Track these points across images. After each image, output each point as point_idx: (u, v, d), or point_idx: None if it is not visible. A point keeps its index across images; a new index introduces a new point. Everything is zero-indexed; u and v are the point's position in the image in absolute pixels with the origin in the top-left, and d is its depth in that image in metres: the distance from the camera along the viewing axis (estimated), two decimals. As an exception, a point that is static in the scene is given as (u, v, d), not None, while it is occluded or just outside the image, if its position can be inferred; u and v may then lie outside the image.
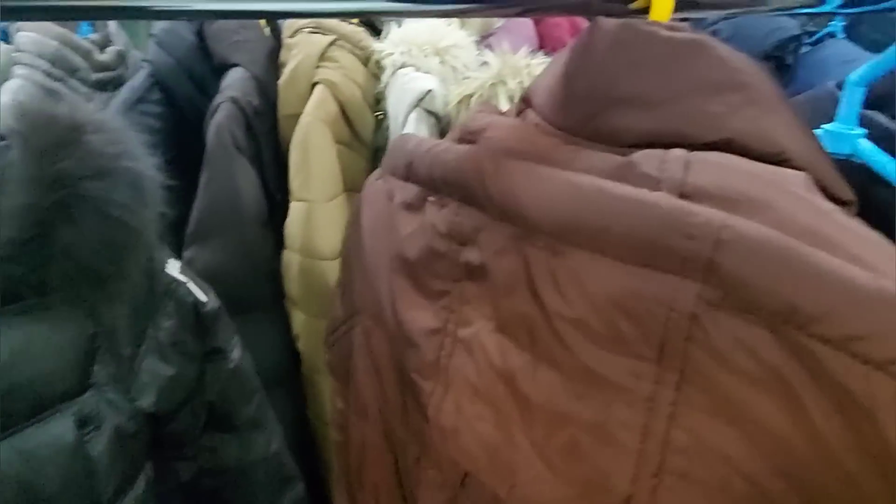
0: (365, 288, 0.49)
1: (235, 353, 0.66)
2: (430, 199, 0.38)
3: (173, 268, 0.60)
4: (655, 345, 0.26)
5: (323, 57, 0.86)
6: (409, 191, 0.40)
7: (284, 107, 0.87)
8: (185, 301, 0.60)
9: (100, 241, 0.48)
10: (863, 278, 0.22)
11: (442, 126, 0.85)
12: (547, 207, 0.30)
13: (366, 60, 0.91)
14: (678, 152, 0.29)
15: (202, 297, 0.62)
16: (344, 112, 0.87)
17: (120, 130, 0.50)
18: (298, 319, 0.83)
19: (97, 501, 0.51)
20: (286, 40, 0.91)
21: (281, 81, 0.87)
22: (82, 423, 0.50)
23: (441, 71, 0.85)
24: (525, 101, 0.40)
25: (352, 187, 0.86)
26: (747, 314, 0.24)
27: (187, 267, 0.62)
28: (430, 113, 0.83)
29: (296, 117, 0.85)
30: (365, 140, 0.93)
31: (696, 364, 0.25)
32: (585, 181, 0.29)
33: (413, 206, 0.39)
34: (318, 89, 0.84)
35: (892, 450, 0.22)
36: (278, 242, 0.84)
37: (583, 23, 0.92)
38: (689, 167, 0.28)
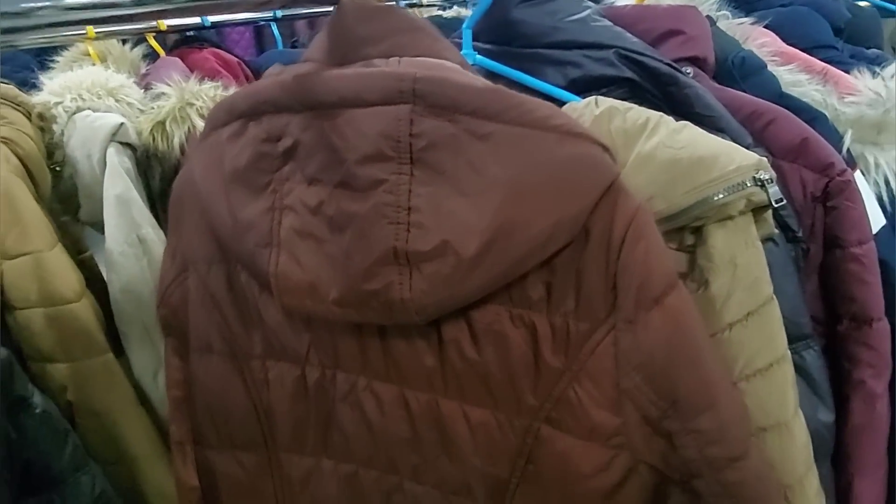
0: (197, 238, 0.61)
1: (37, 398, 0.65)
2: (251, 122, 0.54)
3: None
4: (401, 150, 0.48)
5: (-13, 115, 0.84)
6: (231, 127, 0.55)
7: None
8: None
9: None
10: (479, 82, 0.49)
11: (138, 156, 0.92)
12: (330, 89, 0.49)
13: (27, 115, 0.91)
14: (394, 58, 0.53)
15: None
16: (26, 167, 0.86)
17: None
18: (59, 373, 0.81)
19: None
20: (-78, 108, 0.84)
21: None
22: None
23: (118, 109, 0.93)
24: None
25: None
26: (438, 115, 0.47)
27: None
28: (126, 145, 0.90)
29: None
30: (44, 196, 0.92)
31: (422, 154, 0.48)
32: (350, 70, 0.50)
33: (237, 133, 0.54)
34: (-2, 147, 0.82)
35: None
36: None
37: (229, 58, 1.11)
38: (400, 62, 0.52)
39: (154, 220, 0.88)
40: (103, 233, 0.88)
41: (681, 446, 0.46)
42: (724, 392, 0.47)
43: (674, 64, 0.60)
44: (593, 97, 0.54)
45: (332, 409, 0.62)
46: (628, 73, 0.58)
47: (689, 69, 0.63)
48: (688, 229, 0.52)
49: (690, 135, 0.52)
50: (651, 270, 0.46)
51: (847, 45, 0.91)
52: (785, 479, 0.52)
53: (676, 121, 0.53)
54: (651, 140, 0.51)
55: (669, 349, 0.46)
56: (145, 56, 1.14)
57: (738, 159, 0.50)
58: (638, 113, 0.53)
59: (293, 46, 1.58)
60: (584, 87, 0.55)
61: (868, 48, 0.94)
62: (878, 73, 0.73)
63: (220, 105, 0.58)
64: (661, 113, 0.53)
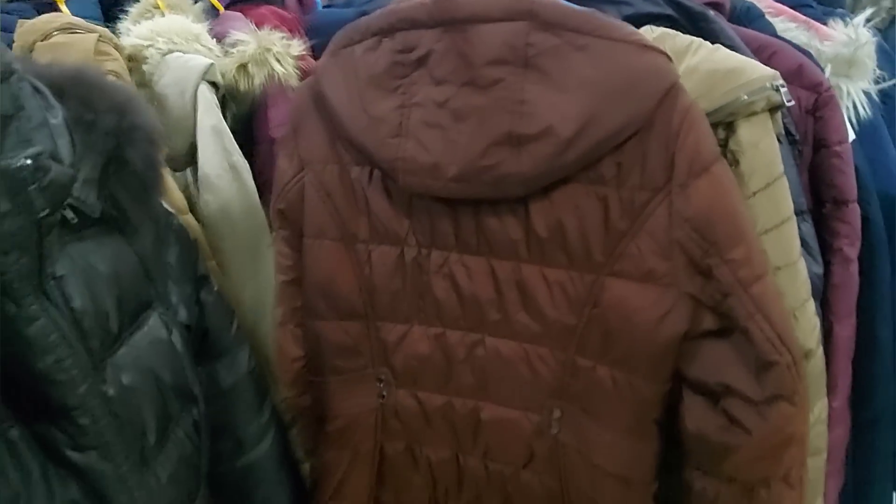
0: (315, 141, 0.75)
1: (212, 279, 0.76)
2: (385, 38, 0.68)
3: (165, 202, 0.70)
4: (518, 56, 0.64)
5: (96, 52, 0.95)
6: (365, 44, 0.70)
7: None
8: (179, 230, 0.70)
9: (148, 158, 0.59)
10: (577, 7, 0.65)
11: (221, 94, 1.05)
12: (463, 8, 0.64)
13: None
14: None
15: (185, 227, 0.72)
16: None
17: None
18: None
19: (190, 392, 0.62)
20: (37, 45, 0.95)
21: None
22: (166, 324, 0.61)
23: (202, 53, 1.05)
24: None
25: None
26: (547, 30, 0.63)
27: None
28: (212, 84, 1.03)
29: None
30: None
31: (533, 60, 0.63)
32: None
33: (372, 48, 0.69)
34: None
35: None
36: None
37: (285, 14, 1.23)
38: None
39: (239, 149, 1.01)
40: (178, 170, 1.00)
41: (719, 274, 0.63)
42: (750, 231, 0.64)
43: (703, 6, 0.78)
44: (649, 25, 0.71)
45: (426, 282, 0.76)
46: (669, 11, 0.75)
47: (712, 12, 0.80)
48: (721, 126, 0.69)
49: (724, 53, 0.69)
50: (701, 148, 0.63)
51: (819, 6, 1.11)
52: (792, 303, 0.70)
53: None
54: (695, 57, 0.68)
55: (714, 204, 0.63)
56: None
57: (759, 70, 0.68)
58: (683, 38, 0.70)
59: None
60: (634, 21, 0.71)
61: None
62: (849, 22, 0.93)
63: (352, 27, 0.72)
64: (700, 38, 0.70)
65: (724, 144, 0.69)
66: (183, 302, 0.66)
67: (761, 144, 0.68)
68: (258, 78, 1.03)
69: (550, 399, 0.75)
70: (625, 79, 0.62)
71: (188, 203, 0.93)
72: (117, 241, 0.57)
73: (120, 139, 0.56)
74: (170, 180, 0.93)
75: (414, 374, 0.82)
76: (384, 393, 0.84)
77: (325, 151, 0.78)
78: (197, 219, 0.93)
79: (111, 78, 0.68)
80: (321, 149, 0.78)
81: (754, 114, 0.67)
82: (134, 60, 1.03)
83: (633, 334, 0.68)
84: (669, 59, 0.63)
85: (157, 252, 0.64)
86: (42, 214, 0.48)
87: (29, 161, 0.47)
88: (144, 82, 1.03)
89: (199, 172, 0.98)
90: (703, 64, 0.67)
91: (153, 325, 0.59)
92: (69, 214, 0.50)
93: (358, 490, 0.86)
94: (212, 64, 1.01)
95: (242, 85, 1.04)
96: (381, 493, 0.86)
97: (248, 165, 0.99)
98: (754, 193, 0.68)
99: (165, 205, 0.69)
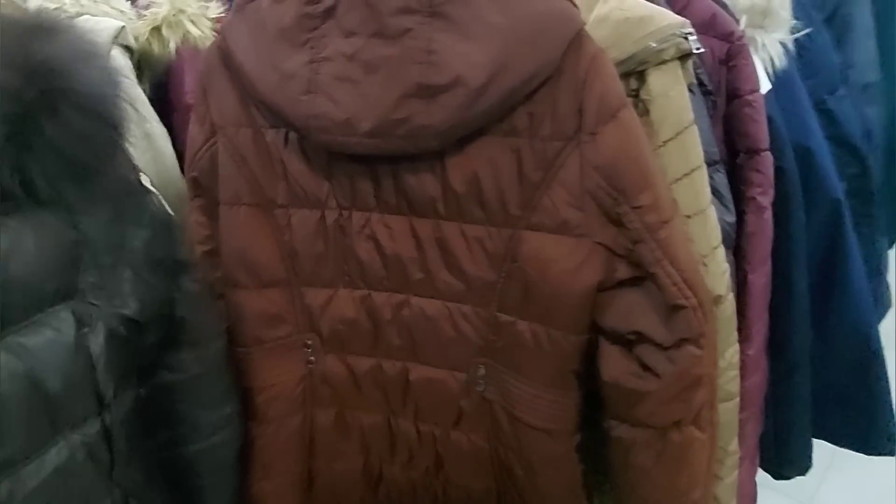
0: (226, 104, 0.73)
1: (194, 267, 0.69)
2: None
3: (145, 180, 0.62)
4: (424, 4, 0.61)
5: None
6: None
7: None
8: (158, 212, 0.63)
9: (83, 134, 0.50)
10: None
11: (136, 58, 1.00)
12: None
13: (25, 18, 0.97)
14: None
15: (168, 210, 0.65)
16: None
17: (87, 31, 0.53)
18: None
19: (100, 397, 0.56)
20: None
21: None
22: (80, 323, 0.53)
23: (114, 15, 1.00)
24: None
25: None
26: None
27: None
28: (125, 48, 0.98)
29: None
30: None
31: (440, 7, 0.61)
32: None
33: (279, 0, 0.66)
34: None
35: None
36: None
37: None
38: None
39: (157, 116, 0.97)
40: None
41: (628, 222, 0.63)
42: (656, 177, 0.65)
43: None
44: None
45: (348, 245, 0.75)
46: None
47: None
48: (633, 76, 0.69)
49: (634, 2, 0.69)
50: (608, 94, 0.63)
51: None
52: (702, 250, 0.71)
53: (619, -3, 0.70)
54: (605, 6, 0.68)
55: (621, 151, 0.63)
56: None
57: (669, 18, 0.68)
58: (593, -13, 0.70)
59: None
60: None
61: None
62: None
63: None
64: (610, -12, 0.70)
65: (635, 94, 0.70)
66: (139, 292, 0.59)
67: (671, 93, 0.68)
68: (172, 41, 0.99)
69: (475, 357, 0.76)
70: (532, 25, 0.61)
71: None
72: (28, 224, 0.50)
73: (30, 107, 0.48)
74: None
75: (341, 339, 0.81)
76: (312, 359, 0.83)
77: (238, 114, 0.75)
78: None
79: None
80: (233, 112, 0.75)
81: (664, 62, 0.68)
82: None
83: (550, 287, 0.68)
84: (574, 4, 0.62)
85: (109, 235, 0.57)
86: None
87: None
88: (51, 47, 0.98)
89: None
90: (613, 13, 0.67)
91: (57, 323, 0.52)
92: None
93: (289, 465, 0.84)
94: (123, 26, 0.96)
95: (157, 49, 1.00)
96: (312, 464, 0.85)
97: (165, 133, 0.95)
98: (665, 143, 0.68)
99: (144, 182, 0.62)
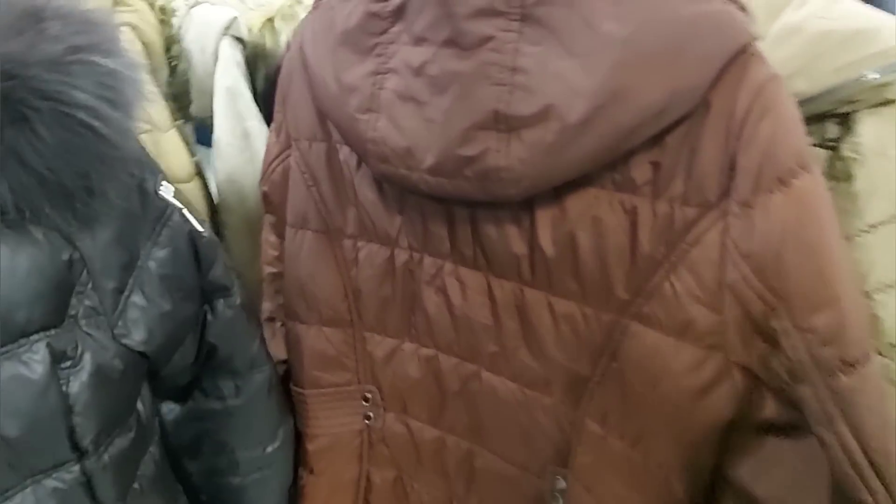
0: (302, 114, 0.61)
1: (237, 289, 0.62)
2: None
3: (167, 192, 0.54)
4: (514, 5, 0.44)
5: (116, 2, 0.88)
6: None
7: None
8: (180, 229, 0.54)
9: (60, 149, 0.42)
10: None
11: (248, 50, 0.94)
12: None
13: (150, 6, 0.95)
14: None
15: (199, 226, 0.57)
16: (147, 54, 0.90)
17: (94, 23, 0.44)
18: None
19: (76, 443, 0.48)
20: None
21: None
22: (57, 357, 0.46)
23: (232, 4, 0.95)
24: None
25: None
26: None
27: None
28: (237, 39, 0.92)
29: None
30: (160, 85, 0.96)
31: (534, 10, 0.44)
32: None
33: None
34: (125, 31, 0.86)
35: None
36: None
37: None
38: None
39: (259, 114, 0.90)
40: (212, 129, 0.91)
41: (788, 346, 0.41)
42: (847, 291, 0.41)
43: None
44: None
45: (416, 293, 0.63)
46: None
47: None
48: (831, 120, 0.46)
49: (849, 6, 0.45)
50: (778, 147, 0.41)
51: None
52: None
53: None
54: (801, 10, 0.45)
55: (788, 236, 0.41)
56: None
57: None
58: (784, -20, 0.47)
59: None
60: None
61: None
62: None
63: None
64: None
65: (832, 148, 0.46)
66: (148, 318, 0.52)
67: (893, 151, 0.44)
68: (285, 34, 0.91)
69: (554, 464, 0.59)
70: (666, 36, 0.41)
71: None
72: (5, 243, 0.42)
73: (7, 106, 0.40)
74: (170, 140, 0.85)
75: (403, 398, 0.69)
76: (370, 414, 0.71)
77: (313, 126, 0.64)
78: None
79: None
80: (308, 123, 0.64)
81: (887, 103, 0.43)
82: (165, 13, 0.95)
83: (660, 407, 0.49)
84: (742, 7, 0.41)
85: (111, 256, 0.49)
86: None
87: None
88: (174, 37, 0.95)
89: (213, 137, 0.90)
90: (808, 23, 0.44)
91: (27, 356, 0.44)
92: None
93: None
94: (235, 17, 0.90)
95: (269, 41, 0.93)
96: (365, 526, 0.74)
97: (266, 131, 0.88)
98: (873, 227, 0.44)
99: (166, 195, 0.54)
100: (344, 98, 0.54)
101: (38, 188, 0.43)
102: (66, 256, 0.46)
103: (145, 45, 0.89)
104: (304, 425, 0.74)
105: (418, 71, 0.48)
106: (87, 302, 0.48)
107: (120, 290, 0.50)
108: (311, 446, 0.75)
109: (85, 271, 0.47)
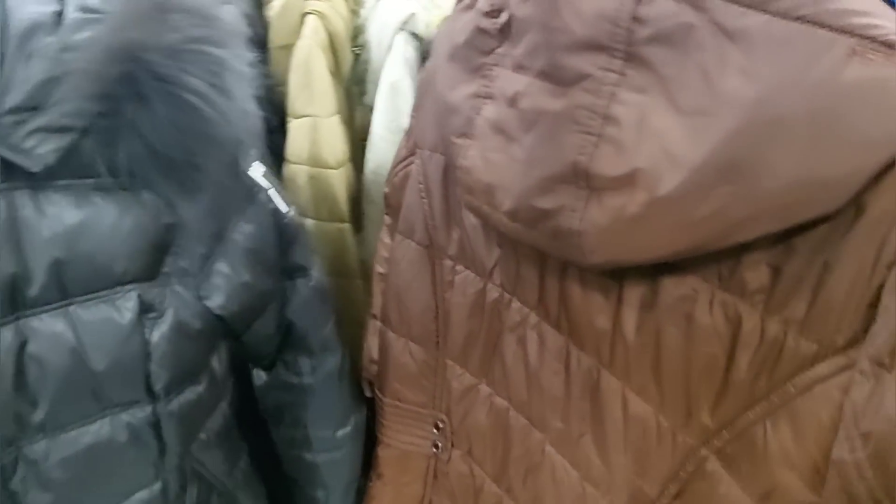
0: (429, 122, 0.59)
1: (316, 272, 0.66)
2: None
3: (257, 171, 0.59)
4: (619, 39, 0.36)
5: (312, -10, 0.93)
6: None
7: (277, 38, 0.94)
8: (265, 208, 0.59)
9: (171, 126, 0.47)
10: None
11: (423, 47, 0.94)
12: None
13: (345, -4, 0.99)
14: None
15: (284, 206, 0.61)
16: (331, 43, 0.95)
17: (212, 17, 0.49)
18: (306, 226, 0.90)
19: (150, 387, 0.52)
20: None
21: (272, 14, 0.94)
22: (145, 307, 0.51)
23: (421, 1, 0.95)
24: None
25: (340, 111, 0.94)
26: None
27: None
28: (414, 35, 0.92)
29: (288, 48, 0.92)
30: (342, 73, 1.00)
31: (642, 48, 0.35)
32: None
33: (468, 6, 0.49)
34: (311, 19, 0.91)
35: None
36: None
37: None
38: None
39: (417, 112, 0.90)
40: None
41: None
42: None
43: None
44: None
45: (500, 336, 0.58)
46: None
47: None
48: None
49: None
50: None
51: None
52: None
53: None
54: None
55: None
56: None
57: None
58: None
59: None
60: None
61: None
62: None
63: None
64: None
65: None
66: (230, 287, 0.56)
67: None
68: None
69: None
70: (818, 105, 0.30)
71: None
72: (115, 202, 0.48)
73: (112, 89, 0.44)
74: (329, 126, 0.88)
75: (470, 441, 0.65)
76: (438, 444, 0.68)
77: (435, 137, 0.61)
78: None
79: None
80: (431, 132, 0.62)
81: None
82: (357, 4, 0.99)
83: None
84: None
85: (205, 225, 0.54)
86: None
87: None
88: (360, 27, 0.99)
89: (370, 127, 0.92)
90: None
91: (120, 303, 0.49)
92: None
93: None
94: (413, 14, 0.90)
95: (444, 41, 0.91)
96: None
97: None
98: None
99: (256, 175, 0.58)
100: (447, 117, 0.50)
101: (150, 158, 0.48)
102: (166, 220, 0.51)
103: (331, 33, 0.93)
104: (379, 430, 0.74)
105: (512, 101, 0.42)
106: (179, 263, 0.52)
107: (208, 257, 0.55)
108: (382, 453, 0.74)
109: (181, 235, 0.52)
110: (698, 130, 0.33)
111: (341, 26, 0.95)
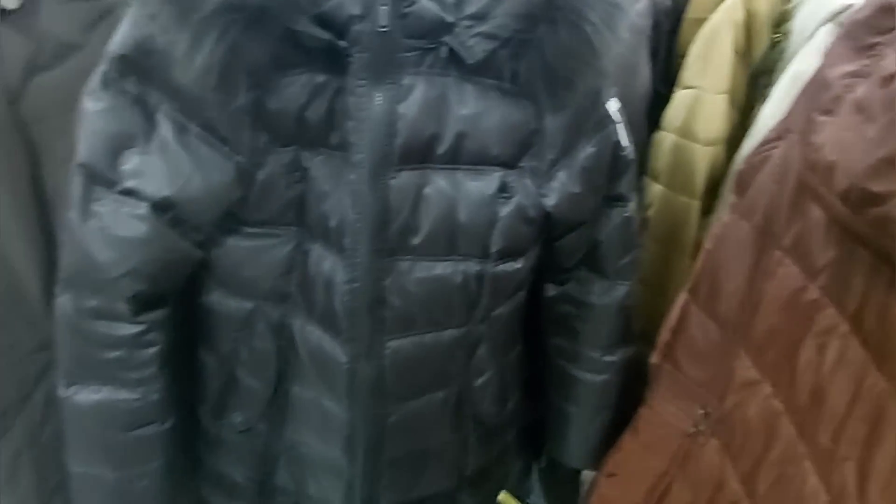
0: (803, 104, 0.58)
1: (632, 205, 0.74)
2: None
3: (613, 106, 0.68)
4: None
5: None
6: None
7: (694, 11, 0.97)
8: (609, 138, 0.67)
9: (566, 48, 0.57)
10: None
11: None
12: None
13: (781, -21, 0.94)
14: None
15: (625, 142, 0.69)
16: (747, 23, 0.93)
17: None
18: (655, 190, 0.94)
19: (486, 247, 0.63)
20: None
21: (698, -14, 0.96)
22: (502, 187, 0.62)
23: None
24: None
25: (731, 92, 0.92)
26: None
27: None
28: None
29: (700, 22, 0.94)
30: (752, 57, 0.97)
31: None
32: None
33: None
34: (732, -5, 0.91)
35: None
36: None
37: None
38: None
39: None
40: None
41: None
42: None
43: None
44: None
45: (802, 339, 0.54)
46: None
47: None
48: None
49: None
50: None
51: None
52: None
53: None
54: None
55: None
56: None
57: None
58: None
59: None
60: None
61: None
62: None
63: None
64: None
65: None
66: (562, 194, 0.66)
67: None
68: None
69: None
70: None
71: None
72: (502, 103, 0.59)
73: (535, 10, 0.55)
74: (712, 103, 0.88)
75: (731, 436, 0.64)
76: (701, 428, 0.69)
77: (805, 118, 0.59)
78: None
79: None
80: (803, 114, 0.60)
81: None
82: (798, -9, 0.94)
83: None
84: None
85: (561, 138, 0.64)
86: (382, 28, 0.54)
87: None
88: (787, 14, 0.94)
89: (758, 116, 0.89)
90: None
91: (489, 178, 0.61)
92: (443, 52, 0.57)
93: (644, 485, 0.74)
94: (850, 6, 0.82)
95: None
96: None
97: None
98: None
99: (611, 108, 0.67)
100: (818, 94, 0.49)
101: (542, 72, 0.59)
102: (533, 126, 0.62)
103: (749, 13, 0.92)
104: (648, 392, 0.76)
105: (886, 81, 0.40)
106: (532, 162, 0.64)
107: (554, 163, 0.65)
108: (644, 412, 0.76)
109: (540, 140, 0.63)
110: None
111: (764, 8, 0.93)
